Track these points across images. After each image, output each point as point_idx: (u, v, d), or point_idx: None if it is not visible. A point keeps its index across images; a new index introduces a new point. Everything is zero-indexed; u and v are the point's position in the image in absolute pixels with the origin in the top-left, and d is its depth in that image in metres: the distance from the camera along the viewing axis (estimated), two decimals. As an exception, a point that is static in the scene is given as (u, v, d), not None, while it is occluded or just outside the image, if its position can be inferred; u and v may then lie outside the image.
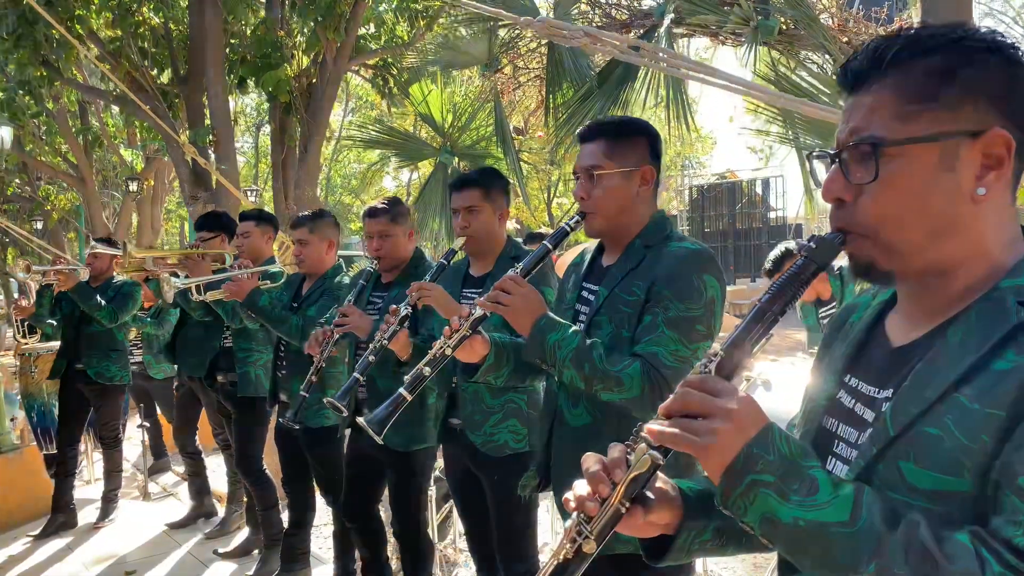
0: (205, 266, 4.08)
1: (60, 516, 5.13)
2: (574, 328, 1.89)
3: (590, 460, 1.08)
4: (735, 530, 1.05)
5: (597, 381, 1.82)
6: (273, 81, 6.07)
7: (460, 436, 2.71)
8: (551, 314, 1.93)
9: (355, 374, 2.77)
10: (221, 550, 4.55)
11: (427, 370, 2.04)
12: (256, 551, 4.46)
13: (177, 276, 3.81)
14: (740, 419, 0.95)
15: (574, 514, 1.05)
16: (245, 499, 5.01)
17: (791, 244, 4.34)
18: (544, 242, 2.07)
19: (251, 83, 6.60)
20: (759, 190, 22.33)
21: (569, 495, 1.07)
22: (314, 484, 3.95)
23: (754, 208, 21.98)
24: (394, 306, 2.67)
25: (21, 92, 9.79)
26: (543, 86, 6.08)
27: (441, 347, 2.01)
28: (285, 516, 4.22)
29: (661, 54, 2.62)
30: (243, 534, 4.77)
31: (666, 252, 1.92)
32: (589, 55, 4.64)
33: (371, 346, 2.74)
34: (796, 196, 23.26)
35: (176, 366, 4.88)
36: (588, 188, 1.98)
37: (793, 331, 13.44)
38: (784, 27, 3.75)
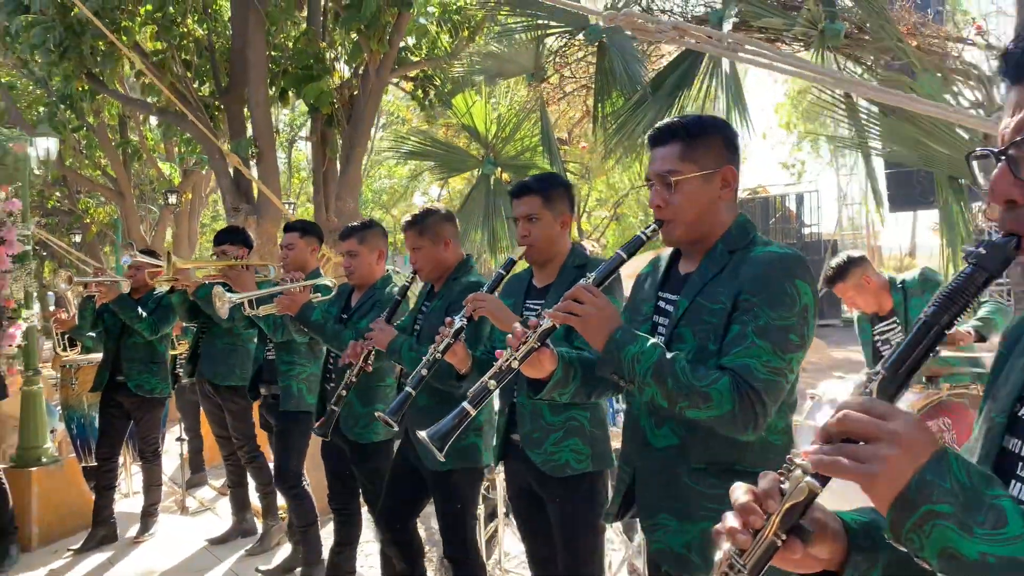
0: (249, 278, 4.02)
1: (101, 530, 5.07)
2: (653, 341, 1.75)
3: (739, 491, 0.98)
4: (910, 565, 0.92)
5: (682, 397, 1.67)
6: (315, 93, 6.04)
7: (521, 453, 2.60)
8: (627, 326, 1.80)
9: (407, 388, 2.67)
10: (263, 567, 4.45)
11: (492, 383, 1.91)
12: (298, 569, 4.36)
13: (229, 290, 3.74)
14: (910, 443, 0.85)
15: (725, 545, 0.97)
16: (282, 514, 4.94)
17: (854, 252, 4.16)
18: (618, 251, 1.95)
19: (292, 95, 6.60)
20: (792, 206, 22.05)
21: (719, 526, 0.98)
22: (360, 500, 3.86)
23: (788, 224, 21.69)
24: (449, 318, 2.57)
25: (63, 106, 9.93)
26: (588, 96, 6.00)
27: (507, 360, 1.89)
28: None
29: (751, 47, 2.50)
30: (284, 550, 4.68)
31: (752, 257, 1.77)
32: (643, 62, 4.54)
33: (424, 359, 2.65)
34: (831, 212, 22.96)
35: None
36: (664, 195, 1.84)
37: (833, 349, 13.16)
38: (849, 31, 3.62)
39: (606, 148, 4.87)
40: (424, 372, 2.61)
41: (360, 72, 6.44)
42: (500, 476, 4.65)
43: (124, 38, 5.53)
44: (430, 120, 7.60)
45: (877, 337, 4.14)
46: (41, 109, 11.52)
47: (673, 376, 1.68)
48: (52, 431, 6.28)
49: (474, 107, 5.68)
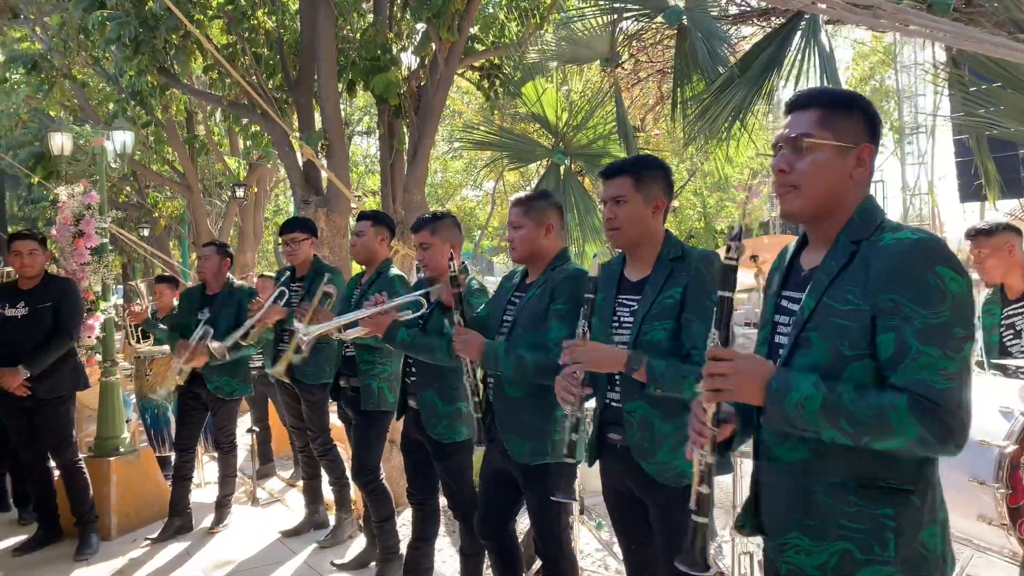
0: (327, 315, 4.03)
1: (177, 520, 5.12)
2: (812, 379, 1.56)
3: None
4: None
5: (862, 434, 1.51)
6: (383, 84, 5.98)
7: (623, 456, 2.45)
8: (777, 371, 1.62)
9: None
10: (337, 561, 4.42)
11: (704, 489, 1.72)
12: (373, 563, 4.31)
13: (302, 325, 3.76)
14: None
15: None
16: (355, 507, 4.91)
17: (1013, 221, 3.90)
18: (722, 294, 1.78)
19: (359, 87, 6.56)
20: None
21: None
22: (439, 496, 3.79)
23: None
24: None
25: (133, 102, 10.11)
26: (664, 81, 5.82)
27: (701, 460, 1.72)
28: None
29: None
30: (358, 544, 4.65)
31: (883, 247, 1.59)
32: (728, 43, 4.35)
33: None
34: (895, 203, 22.18)
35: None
36: (791, 159, 1.68)
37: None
38: (959, 6, 3.38)
39: (686, 135, 4.68)
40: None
41: (428, 62, 6.36)
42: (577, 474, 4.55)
43: (198, 31, 5.55)
44: (495, 111, 7.49)
45: (1004, 322, 3.82)
46: (111, 105, 11.80)
47: (846, 415, 1.52)
48: (127, 421, 6.39)
49: (545, 95, 5.54)
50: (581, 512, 4.59)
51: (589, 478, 5.30)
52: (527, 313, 2.93)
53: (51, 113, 11.89)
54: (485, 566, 3.68)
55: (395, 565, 4.10)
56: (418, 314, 3.44)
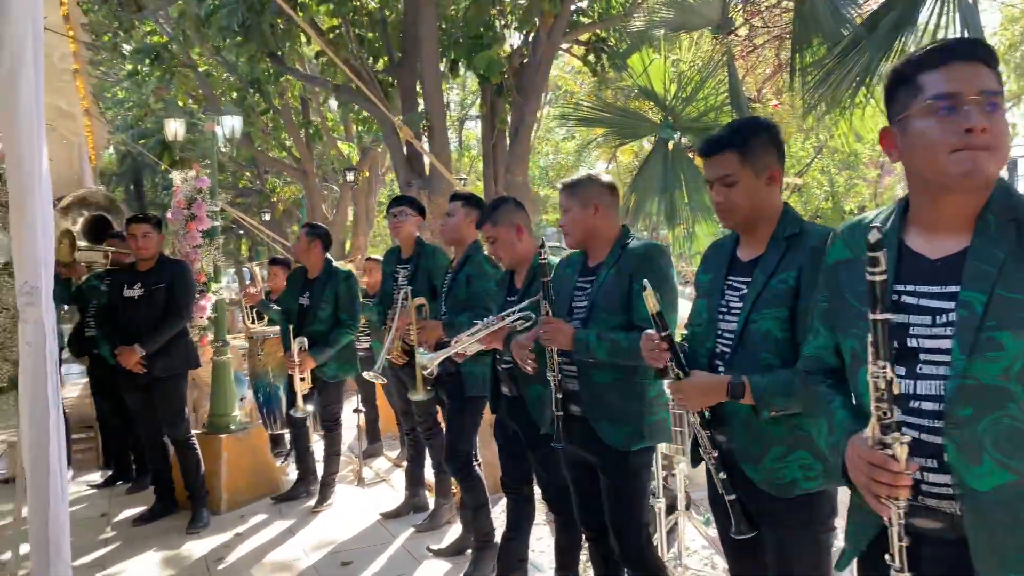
0: (435, 327, 3.98)
1: (302, 485, 5.44)
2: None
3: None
4: None
5: None
6: (485, 62, 5.86)
7: (727, 458, 2.20)
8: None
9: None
10: (434, 547, 4.38)
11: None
12: (469, 550, 4.23)
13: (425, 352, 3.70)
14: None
15: None
16: (454, 492, 4.85)
17: None
18: None
19: (462, 67, 6.48)
20: (1004, 172, 19.66)
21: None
22: (534, 486, 3.65)
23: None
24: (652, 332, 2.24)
25: (251, 90, 10.46)
26: (782, 48, 5.41)
27: (898, 515, 1.44)
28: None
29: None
30: (455, 530, 4.59)
31: None
32: (855, 1, 3.95)
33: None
34: (1037, 177, 20.24)
35: None
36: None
37: None
38: None
39: (806, 103, 4.30)
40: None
41: (531, 38, 6.19)
42: (681, 465, 4.31)
43: (301, 14, 5.59)
44: (604, 87, 7.24)
45: None
46: (234, 95, 12.28)
47: None
48: (241, 399, 6.60)
49: (652, 66, 5.25)
50: (688, 507, 4.36)
51: (695, 471, 5.06)
52: (605, 296, 2.74)
53: (180, 103, 12.49)
54: (583, 560, 3.54)
55: (490, 554, 3.99)
56: (531, 323, 3.25)
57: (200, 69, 11.05)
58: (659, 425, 2.76)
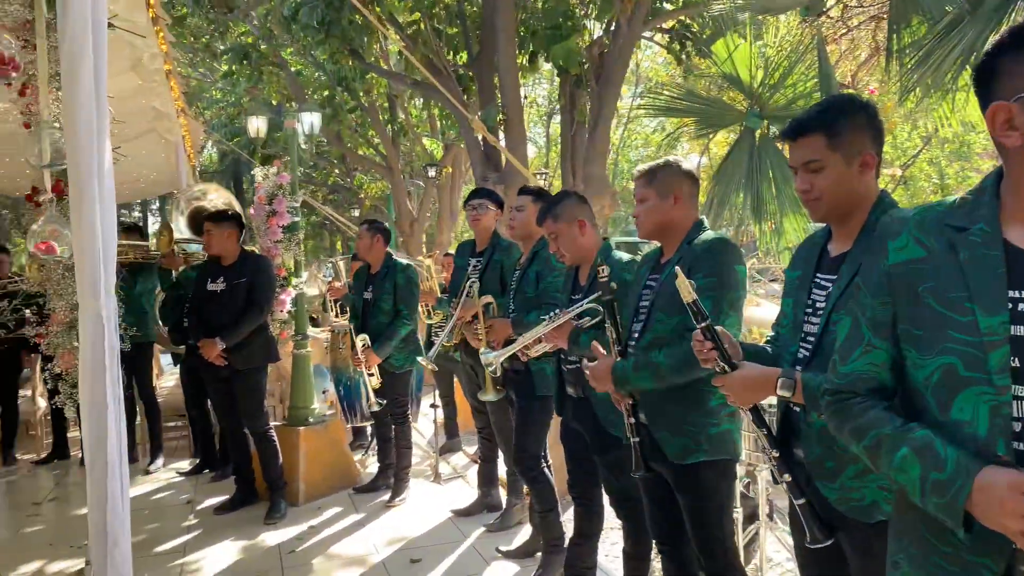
0: (504, 325, 3.90)
1: (382, 478, 5.49)
2: None
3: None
4: None
5: None
6: (563, 53, 5.73)
7: (804, 472, 2.00)
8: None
9: None
10: (503, 548, 4.29)
11: None
12: (539, 554, 4.13)
13: (491, 350, 3.61)
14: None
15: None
16: (526, 492, 4.76)
17: None
18: None
19: (541, 59, 6.36)
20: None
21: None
22: (603, 491, 3.51)
23: None
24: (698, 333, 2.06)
25: (339, 88, 10.64)
26: (879, 29, 5.06)
27: None
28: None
29: None
30: (526, 531, 4.49)
31: None
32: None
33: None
34: None
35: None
36: None
37: None
38: None
39: (903, 88, 3.98)
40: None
41: (611, 28, 6.01)
42: (763, 474, 4.08)
43: (378, 9, 5.60)
44: (687, 75, 6.98)
45: None
46: (325, 93, 12.54)
47: None
48: (324, 392, 6.70)
49: (737, 52, 5.00)
50: (770, 516, 4.13)
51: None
52: (664, 296, 2.55)
53: (273, 102, 12.86)
54: (656, 569, 3.38)
55: (559, 559, 3.87)
56: (598, 319, 3.12)
57: (292, 69, 11.31)
58: (723, 437, 2.56)
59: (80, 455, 6.18)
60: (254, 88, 10.67)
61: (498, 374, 3.67)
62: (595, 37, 6.25)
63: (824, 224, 2.08)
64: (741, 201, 5.19)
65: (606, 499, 3.48)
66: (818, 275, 2.03)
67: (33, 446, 7.02)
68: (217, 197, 6.45)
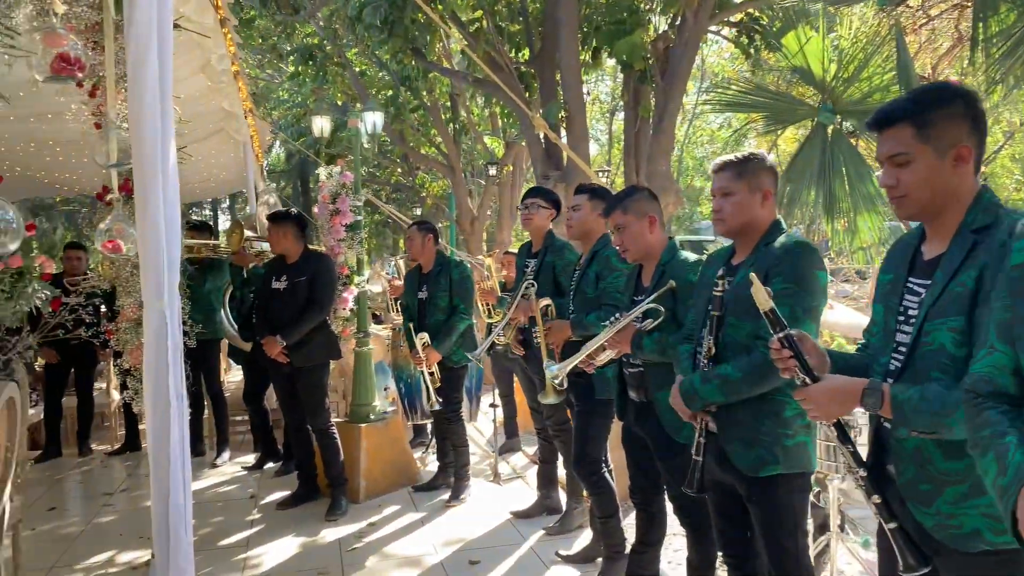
0: (562, 327, 3.84)
1: (442, 476, 5.50)
2: None
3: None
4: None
5: None
6: (627, 48, 5.62)
7: (897, 494, 1.85)
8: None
9: None
10: (563, 552, 4.22)
11: None
12: (599, 559, 4.05)
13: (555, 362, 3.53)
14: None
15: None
16: (586, 497, 4.68)
17: None
18: None
19: (604, 54, 6.26)
20: None
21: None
22: (665, 497, 3.41)
23: None
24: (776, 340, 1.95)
25: (403, 88, 10.72)
26: (962, 17, 4.81)
27: None
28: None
29: None
30: (586, 536, 4.41)
31: None
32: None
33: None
34: None
35: None
36: None
37: None
38: None
39: (989, 79, 3.77)
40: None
41: (676, 22, 5.87)
42: (834, 483, 3.91)
43: (440, 7, 5.58)
44: (756, 70, 6.77)
45: None
46: (389, 92, 12.66)
47: None
48: (385, 389, 6.74)
49: (808, 45, 4.82)
50: (841, 527, 3.96)
51: (851, 485, 4.60)
52: (737, 301, 2.42)
53: (338, 103, 13.05)
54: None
55: (620, 566, 3.78)
56: (660, 320, 3.02)
57: (356, 69, 11.44)
58: (799, 450, 2.43)
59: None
60: (319, 88, 10.82)
61: (564, 386, 3.56)
62: (660, 32, 6.11)
63: (916, 223, 1.95)
64: (812, 199, 5.01)
65: (669, 505, 3.39)
66: (911, 279, 1.88)
67: (107, 437, 7.25)
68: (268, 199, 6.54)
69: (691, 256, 3.09)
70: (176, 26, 2.57)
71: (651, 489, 3.38)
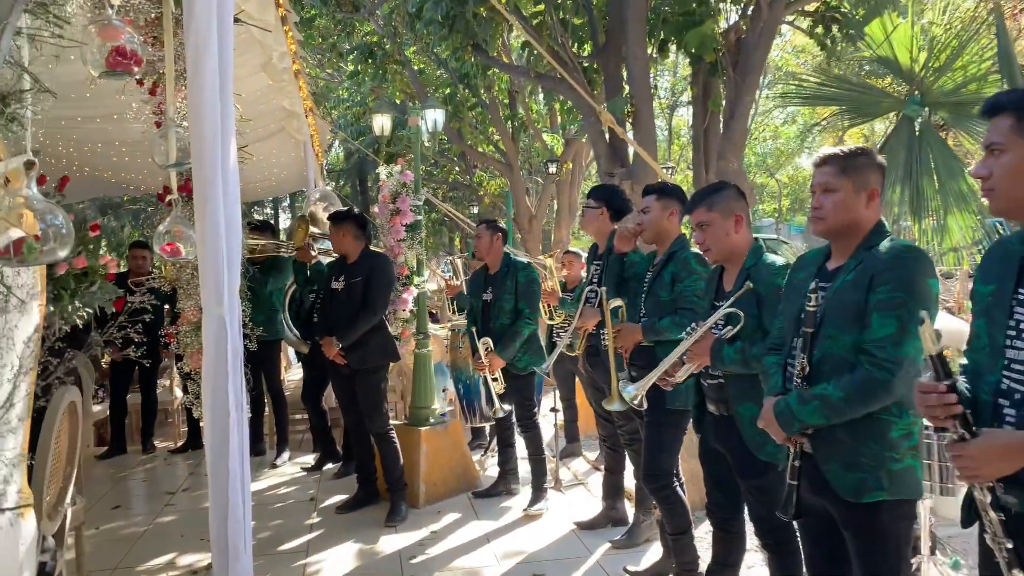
0: (633, 331, 3.63)
1: (501, 484, 5.33)
2: None
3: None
4: None
5: None
6: (697, 39, 5.38)
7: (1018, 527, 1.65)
8: None
9: None
10: (631, 568, 4.03)
11: None
12: (670, 576, 3.85)
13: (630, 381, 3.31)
14: None
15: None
16: (655, 509, 4.48)
17: None
18: None
19: (672, 47, 6.03)
20: None
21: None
22: (745, 517, 3.20)
23: None
24: None
25: (461, 85, 10.62)
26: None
27: None
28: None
29: None
30: (655, 550, 4.21)
31: None
32: None
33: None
34: None
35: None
36: None
37: None
38: None
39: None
40: None
41: (748, 11, 5.61)
42: (926, 503, 3.65)
43: (503, 1, 5.43)
44: (832, 61, 6.45)
45: None
46: (447, 90, 12.58)
47: None
48: (444, 390, 6.63)
49: (895, 33, 4.52)
50: (933, 550, 3.69)
51: (941, 503, 4.30)
52: (837, 308, 2.20)
53: (396, 101, 13.03)
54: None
55: (692, 585, 3.59)
56: (739, 326, 2.83)
57: (415, 67, 11.39)
58: (906, 475, 2.20)
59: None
60: (378, 87, 10.80)
61: (644, 406, 3.33)
62: (731, 22, 5.86)
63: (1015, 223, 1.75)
64: (898, 196, 4.71)
65: (749, 525, 3.18)
66: (1020, 290, 1.69)
67: (170, 434, 7.32)
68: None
69: (778, 259, 2.88)
70: (237, 20, 2.46)
71: (730, 507, 3.17)
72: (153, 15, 2.32)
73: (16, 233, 1.73)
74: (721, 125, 5.74)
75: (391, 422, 5.15)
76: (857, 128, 9.19)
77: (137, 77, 2.73)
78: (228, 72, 2.26)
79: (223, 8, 2.22)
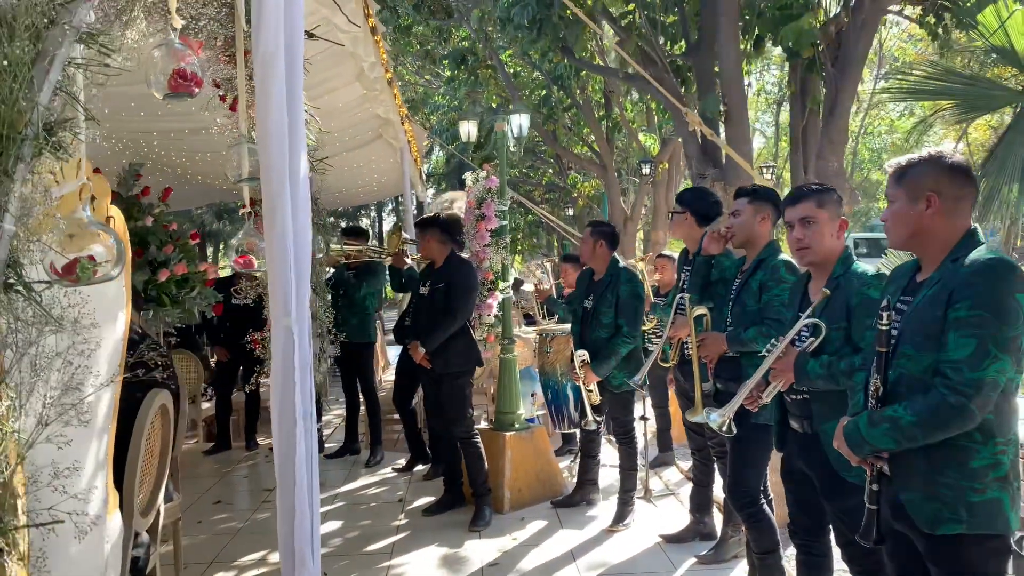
0: (717, 340, 3.49)
1: (578, 494, 5.25)
2: None
3: None
4: None
5: None
6: (794, 34, 5.14)
7: None
8: None
9: None
10: (716, 586, 3.90)
11: None
12: (757, 597, 3.68)
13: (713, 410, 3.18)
14: None
15: None
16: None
17: None
18: None
19: (768, 42, 5.79)
20: None
21: None
22: (830, 540, 3.02)
23: None
24: None
25: (555, 87, 10.58)
26: None
27: None
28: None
29: None
30: (741, 568, 4.05)
31: None
32: None
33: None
34: None
35: None
36: None
37: None
38: None
39: None
40: None
41: (850, 3, 5.32)
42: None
43: (591, 2, 5.36)
44: (945, 52, 6.04)
45: None
46: (542, 92, 12.58)
47: None
48: (532, 395, 6.61)
49: (1012, 20, 4.18)
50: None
51: None
52: (916, 325, 2.04)
53: (492, 105, 13.12)
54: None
55: (782, 610, 3.43)
56: (821, 338, 2.68)
57: (509, 71, 11.43)
58: (989, 508, 1.99)
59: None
60: (473, 91, 10.90)
61: (733, 431, 3.20)
62: (831, 15, 5.57)
63: None
64: (1015, 195, 4.36)
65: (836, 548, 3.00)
66: None
67: (271, 432, 7.60)
68: (461, 205, 6.55)
69: (869, 268, 2.70)
70: (309, 35, 2.51)
71: (815, 529, 3.00)
72: (229, 35, 2.41)
73: (97, 248, 1.82)
74: (820, 123, 5.46)
75: (478, 426, 5.17)
76: (984, 119, 8.61)
77: (220, 94, 2.83)
78: (297, 86, 2.30)
79: (291, 24, 2.26)
